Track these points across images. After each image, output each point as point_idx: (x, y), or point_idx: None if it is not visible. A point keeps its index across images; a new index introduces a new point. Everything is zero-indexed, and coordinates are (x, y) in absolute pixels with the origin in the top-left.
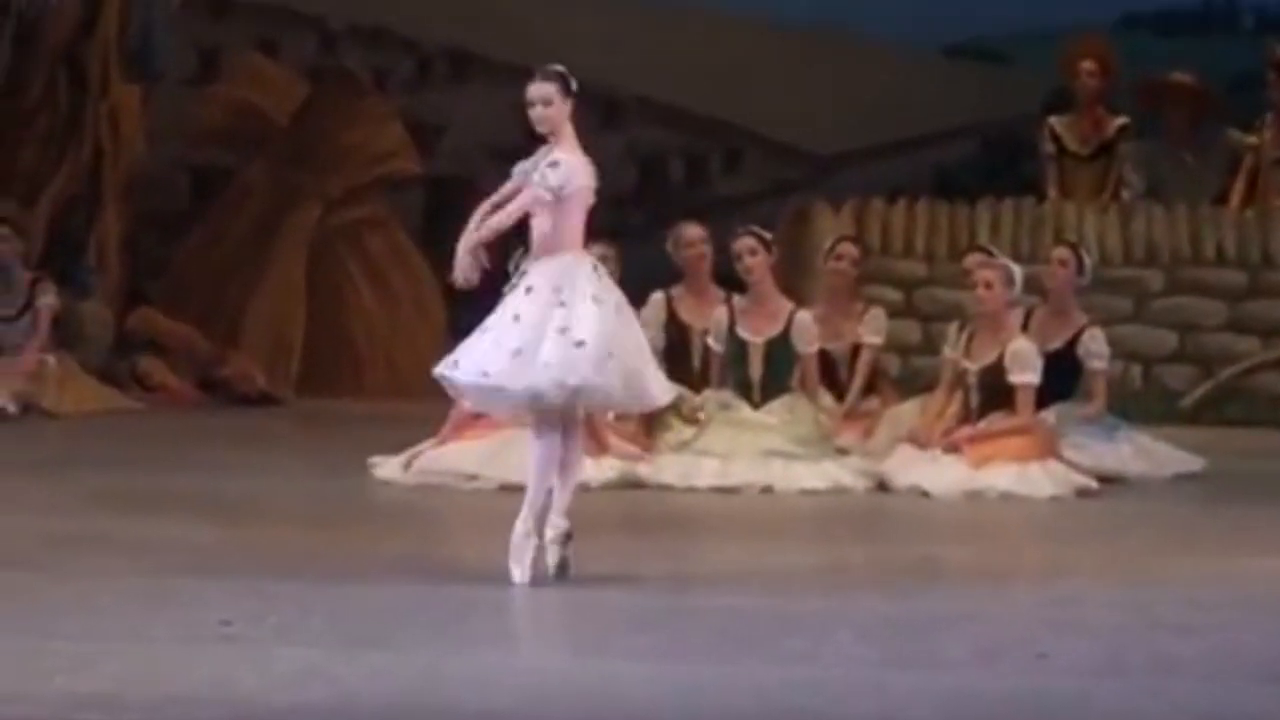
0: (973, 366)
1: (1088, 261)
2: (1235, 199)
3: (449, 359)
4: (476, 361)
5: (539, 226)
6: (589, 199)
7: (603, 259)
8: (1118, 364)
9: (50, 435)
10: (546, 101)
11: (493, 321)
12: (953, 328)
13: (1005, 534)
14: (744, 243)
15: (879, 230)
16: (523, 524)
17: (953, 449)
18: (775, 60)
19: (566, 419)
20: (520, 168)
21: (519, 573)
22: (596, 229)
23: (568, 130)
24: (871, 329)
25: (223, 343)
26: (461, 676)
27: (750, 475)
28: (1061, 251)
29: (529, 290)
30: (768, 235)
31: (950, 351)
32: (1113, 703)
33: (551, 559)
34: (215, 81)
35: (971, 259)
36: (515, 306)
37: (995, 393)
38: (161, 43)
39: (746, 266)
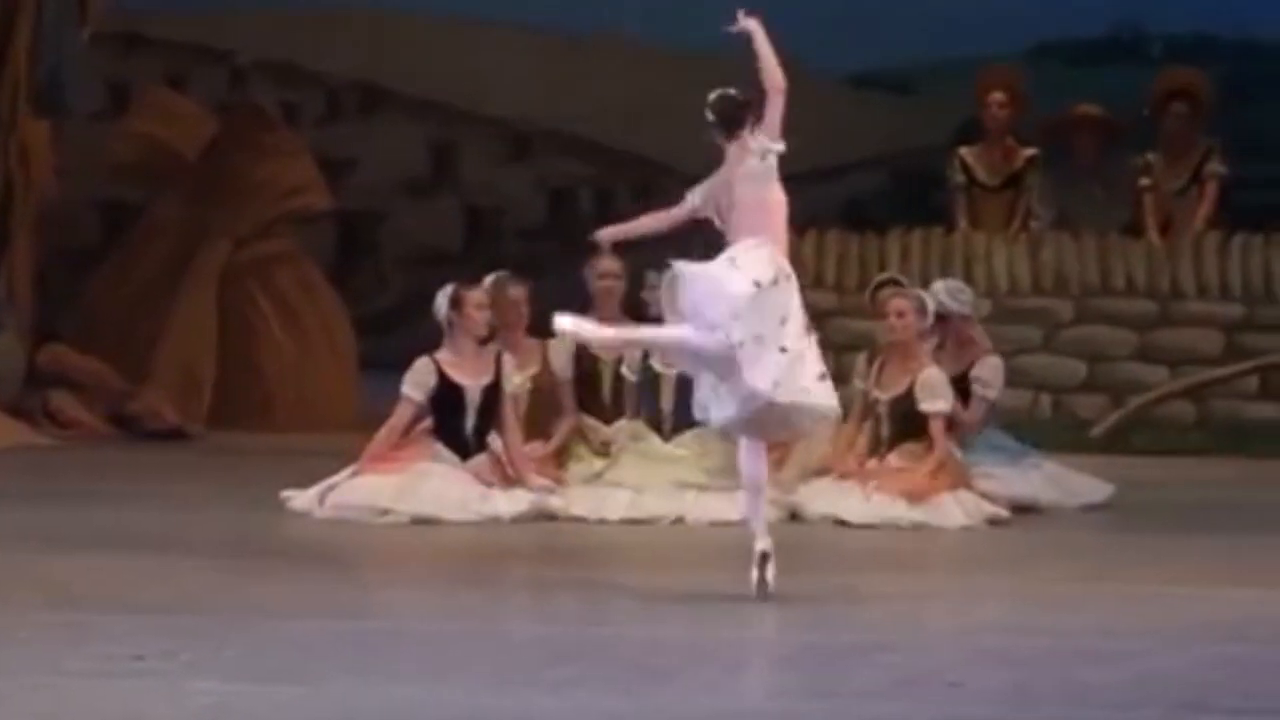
0: (883, 396)
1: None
2: (1154, 236)
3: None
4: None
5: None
6: None
7: (514, 303)
8: (1027, 394)
9: None
10: None
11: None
12: (862, 357)
13: (918, 563)
14: (651, 276)
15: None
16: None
17: (876, 489)
18: (684, 91)
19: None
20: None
21: None
22: (504, 262)
23: None
24: None
25: (134, 378)
26: (376, 710)
27: (662, 507)
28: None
29: None
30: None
31: (860, 382)
32: None
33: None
34: (125, 117)
35: (885, 291)
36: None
37: (906, 422)
38: (71, 78)
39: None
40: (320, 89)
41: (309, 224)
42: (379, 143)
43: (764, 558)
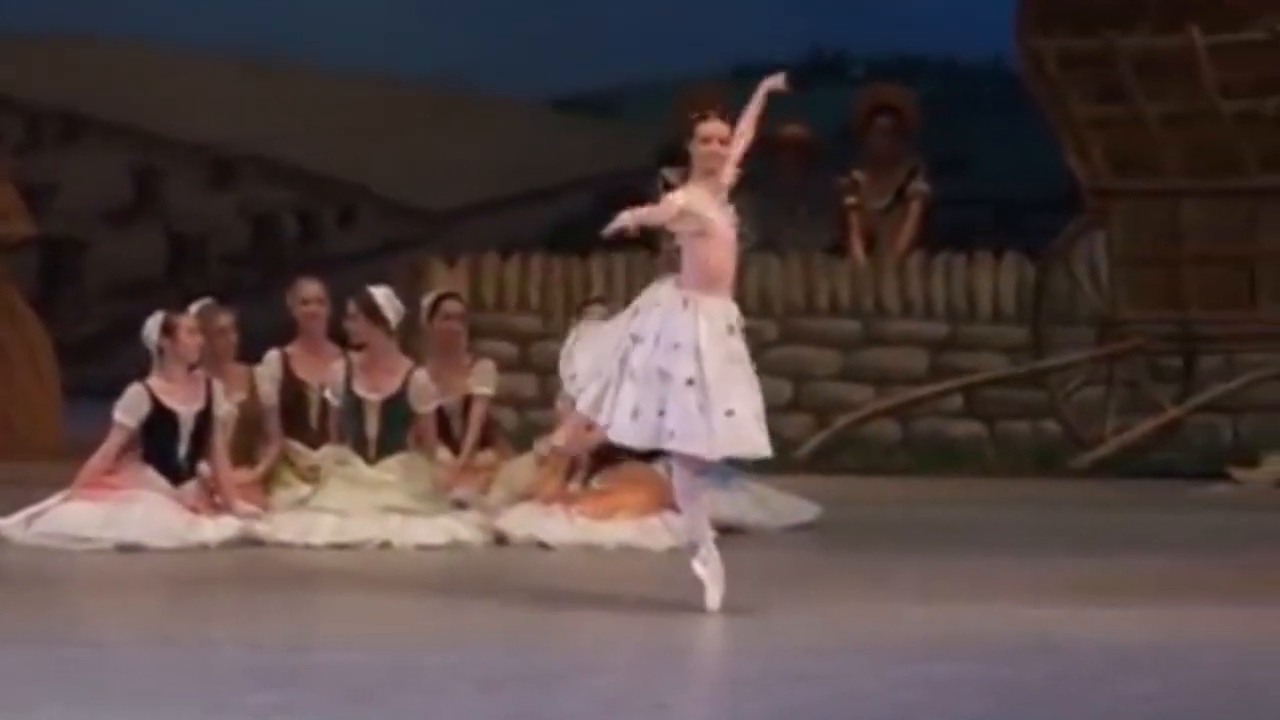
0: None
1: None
2: (859, 256)
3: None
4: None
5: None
6: None
7: (222, 331)
8: None
9: None
10: (724, 140)
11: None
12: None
13: (625, 586)
14: (351, 305)
15: (494, 285)
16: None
17: (580, 511)
18: (387, 116)
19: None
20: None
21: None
22: (208, 289)
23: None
24: (481, 380)
25: None
26: None
27: (367, 531)
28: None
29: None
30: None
31: (562, 404)
32: None
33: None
34: None
35: (594, 310)
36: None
37: (610, 445)
38: None
39: (353, 329)
40: (20, 116)
41: (11, 252)
42: (81, 169)
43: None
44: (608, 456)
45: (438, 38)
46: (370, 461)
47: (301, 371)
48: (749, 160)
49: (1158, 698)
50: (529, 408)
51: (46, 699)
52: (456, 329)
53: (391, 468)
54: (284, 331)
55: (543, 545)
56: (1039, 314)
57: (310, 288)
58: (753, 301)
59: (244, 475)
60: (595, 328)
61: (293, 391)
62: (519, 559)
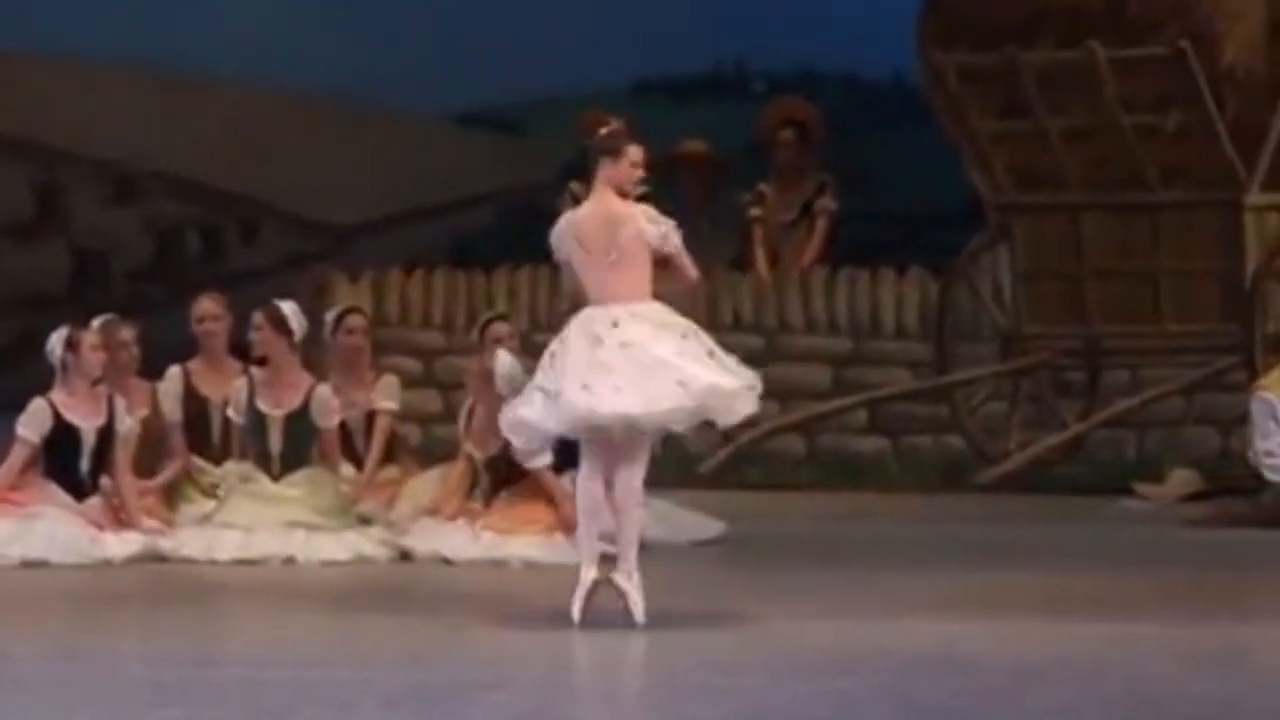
0: (479, 454)
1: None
2: (762, 270)
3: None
4: None
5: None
6: None
7: (124, 344)
8: None
9: None
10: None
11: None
12: (470, 399)
13: (529, 601)
14: (256, 317)
15: (397, 300)
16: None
17: (484, 527)
18: (290, 132)
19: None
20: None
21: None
22: (112, 305)
23: None
24: (385, 394)
25: None
26: None
27: (272, 547)
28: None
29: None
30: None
31: (465, 421)
32: None
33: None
34: None
35: (499, 327)
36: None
37: (511, 464)
38: None
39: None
40: None
41: None
42: None
43: (594, 586)
44: (511, 473)
45: (341, 53)
46: (274, 477)
47: (204, 388)
48: (650, 178)
49: (1064, 711)
50: (433, 423)
51: None
52: (359, 344)
53: (296, 483)
54: (188, 347)
55: (447, 561)
56: (943, 329)
57: (206, 305)
58: None
59: (145, 488)
60: None
61: (195, 408)
62: (424, 575)
